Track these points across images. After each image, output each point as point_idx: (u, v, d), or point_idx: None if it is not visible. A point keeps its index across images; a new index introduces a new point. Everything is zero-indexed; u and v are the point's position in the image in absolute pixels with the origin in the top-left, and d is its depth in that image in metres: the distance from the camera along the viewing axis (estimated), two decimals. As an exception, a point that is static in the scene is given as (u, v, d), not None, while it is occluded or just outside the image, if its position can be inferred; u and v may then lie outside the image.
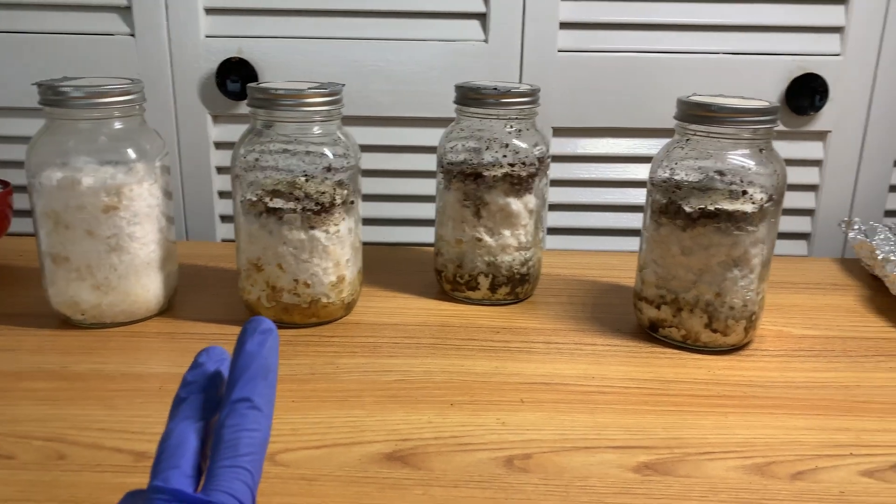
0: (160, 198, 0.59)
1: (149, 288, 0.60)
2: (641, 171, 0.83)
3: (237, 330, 0.59)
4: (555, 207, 0.84)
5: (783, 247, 0.85)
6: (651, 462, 0.44)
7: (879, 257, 0.69)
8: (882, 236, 0.73)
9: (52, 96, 0.55)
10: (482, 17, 0.79)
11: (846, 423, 0.49)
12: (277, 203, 0.57)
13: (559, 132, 0.82)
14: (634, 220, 0.84)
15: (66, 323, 0.60)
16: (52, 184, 0.56)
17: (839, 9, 0.78)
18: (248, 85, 0.57)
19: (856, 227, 0.74)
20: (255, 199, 0.57)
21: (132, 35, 0.78)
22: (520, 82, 0.79)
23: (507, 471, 0.43)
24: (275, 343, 0.32)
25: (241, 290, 0.61)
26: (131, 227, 0.57)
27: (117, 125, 0.57)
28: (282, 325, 0.60)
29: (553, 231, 0.85)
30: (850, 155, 0.82)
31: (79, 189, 0.56)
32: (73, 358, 0.55)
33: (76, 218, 0.56)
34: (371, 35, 0.79)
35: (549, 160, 0.65)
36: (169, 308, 0.63)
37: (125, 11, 0.78)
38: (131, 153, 0.57)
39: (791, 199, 0.82)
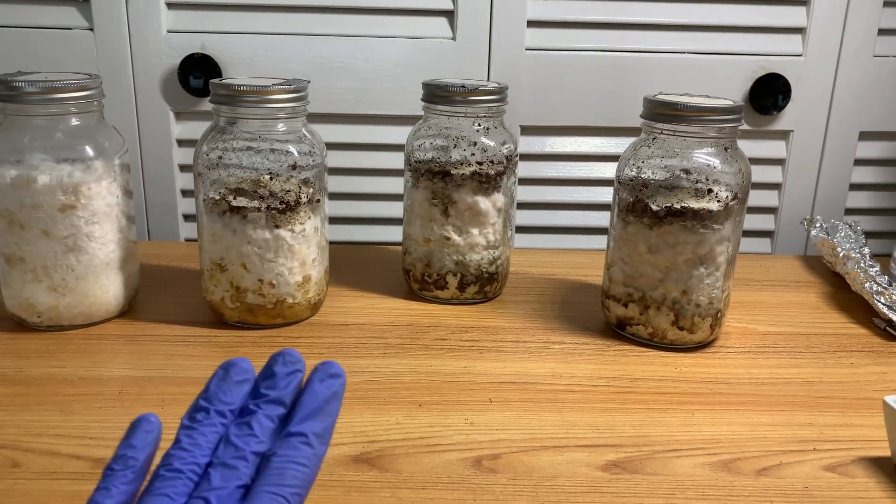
0: (120, 196, 0.58)
1: (108, 289, 0.58)
2: (609, 170, 0.83)
3: (199, 332, 0.59)
4: (523, 206, 0.84)
5: (747, 244, 0.86)
6: (619, 460, 0.44)
7: (840, 254, 0.70)
8: (843, 234, 0.74)
9: (6, 91, 0.53)
10: (450, 15, 0.78)
11: (809, 418, 0.49)
12: (241, 202, 0.56)
13: (527, 130, 0.82)
14: (602, 219, 0.84)
15: (21, 326, 0.58)
16: (6, 182, 0.54)
17: (800, 10, 0.79)
18: (211, 81, 0.56)
19: (818, 224, 0.76)
20: (218, 197, 0.56)
21: (91, 29, 0.76)
22: (488, 80, 0.79)
23: (476, 471, 0.42)
24: (342, 389, 0.32)
25: (204, 290, 0.60)
26: (89, 227, 0.56)
27: (74, 121, 0.56)
28: (246, 326, 0.59)
29: (521, 230, 0.85)
30: (812, 154, 0.84)
31: (34, 187, 0.54)
32: (28, 362, 0.53)
33: (32, 217, 0.54)
34: (337, 31, 0.78)
35: (517, 158, 0.65)
36: (129, 310, 0.62)
37: (83, 5, 0.76)
38: (89, 150, 0.56)
39: (755, 198, 0.83)
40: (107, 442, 0.44)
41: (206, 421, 0.30)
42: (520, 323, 0.62)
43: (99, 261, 0.57)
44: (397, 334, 0.60)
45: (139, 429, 0.30)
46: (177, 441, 0.30)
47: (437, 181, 0.62)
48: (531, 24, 0.79)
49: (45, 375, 0.51)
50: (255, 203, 0.56)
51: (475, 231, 0.63)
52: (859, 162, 0.85)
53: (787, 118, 0.82)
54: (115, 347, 0.56)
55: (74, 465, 0.42)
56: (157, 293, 0.66)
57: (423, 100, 0.64)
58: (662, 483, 0.42)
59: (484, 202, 0.63)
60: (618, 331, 0.61)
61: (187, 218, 0.84)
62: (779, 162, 0.84)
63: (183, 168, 0.82)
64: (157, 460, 0.30)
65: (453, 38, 0.78)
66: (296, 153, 0.57)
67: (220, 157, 0.56)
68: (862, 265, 0.67)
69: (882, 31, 0.80)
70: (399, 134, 0.77)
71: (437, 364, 0.55)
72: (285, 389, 0.31)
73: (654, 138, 0.56)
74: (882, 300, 0.63)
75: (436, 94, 0.62)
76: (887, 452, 0.45)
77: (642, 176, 0.56)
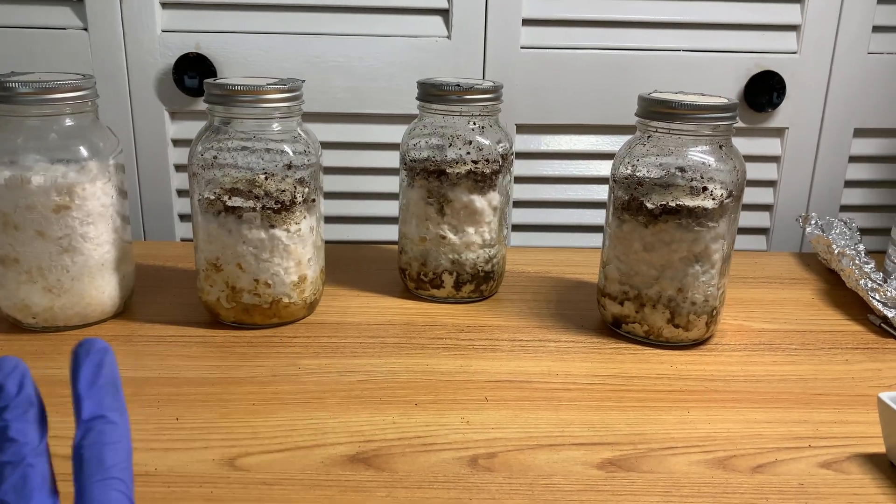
0: (114, 197, 0.58)
1: (103, 290, 0.58)
2: (605, 168, 0.83)
3: (195, 332, 0.59)
4: (519, 204, 0.84)
5: (743, 242, 0.86)
6: (615, 458, 0.44)
7: (835, 251, 0.70)
8: (838, 231, 0.75)
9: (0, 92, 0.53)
10: (445, 14, 0.78)
11: (805, 415, 0.49)
12: (236, 201, 0.56)
13: (523, 129, 0.82)
14: (598, 217, 0.84)
15: (16, 327, 0.58)
16: (0, 183, 0.54)
17: (795, 7, 0.79)
18: (206, 81, 0.56)
19: (813, 221, 0.76)
20: (213, 197, 0.56)
21: (85, 29, 0.76)
22: (483, 79, 0.79)
23: (472, 470, 0.42)
24: (113, 359, 0.31)
25: (199, 290, 0.60)
26: (84, 228, 0.56)
27: (68, 122, 0.55)
28: (242, 326, 0.59)
29: (517, 228, 0.85)
30: (807, 151, 0.84)
31: (28, 188, 0.54)
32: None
33: (26, 218, 0.54)
34: (332, 30, 0.78)
35: (512, 157, 0.65)
36: (125, 310, 0.62)
37: (77, 4, 0.76)
38: (83, 151, 0.55)
39: (750, 195, 0.84)
40: (102, 443, 0.44)
41: None
42: (516, 321, 0.62)
43: (94, 261, 0.57)
44: (393, 333, 0.60)
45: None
46: None
47: (432, 180, 0.62)
48: (526, 22, 0.78)
49: (40, 377, 0.51)
50: (251, 203, 0.56)
51: (471, 230, 0.63)
52: (854, 159, 0.85)
53: (781, 115, 0.82)
54: (111, 348, 0.56)
55: (70, 466, 0.41)
56: (152, 293, 0.65)
57: (418, 99, 0.64)
58: (658, 481, 0.42)
59: (479, 201, 0.63)
60: (614, 329, 0.61)
61: (183, 218, 0.84)
62: (774, 159, 0.84)
63: (178, 168, 0.82)
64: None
65: (448, 37, 0.78)
66: (291, 153, 0.57)
67: (214, 157, 0.56)
68: (857, 262, 0.67)
69: (876, 28, 0.80)
70: (394, 133, 0.77)
71: (433, 363, 0.55)
72: (22, 391, 0.30)
73: (648, 136, 0.57)
74: (877, 297, 0.63)
75: (431, 92, 0.62)
76: (882, 449, 0.45)
77: (637, 174, 0.56)
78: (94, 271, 0.57)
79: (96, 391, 0.30)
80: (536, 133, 0.83)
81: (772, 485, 0.42)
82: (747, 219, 0.85)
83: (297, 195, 0.57)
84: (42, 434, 0.29)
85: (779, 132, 0.83)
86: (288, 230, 0.57)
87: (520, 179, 0.83)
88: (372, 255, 0.77)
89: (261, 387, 0.51)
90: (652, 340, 0.58)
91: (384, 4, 0.77)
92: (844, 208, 0.86)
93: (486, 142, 0.62)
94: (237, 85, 0.55)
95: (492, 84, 0.63)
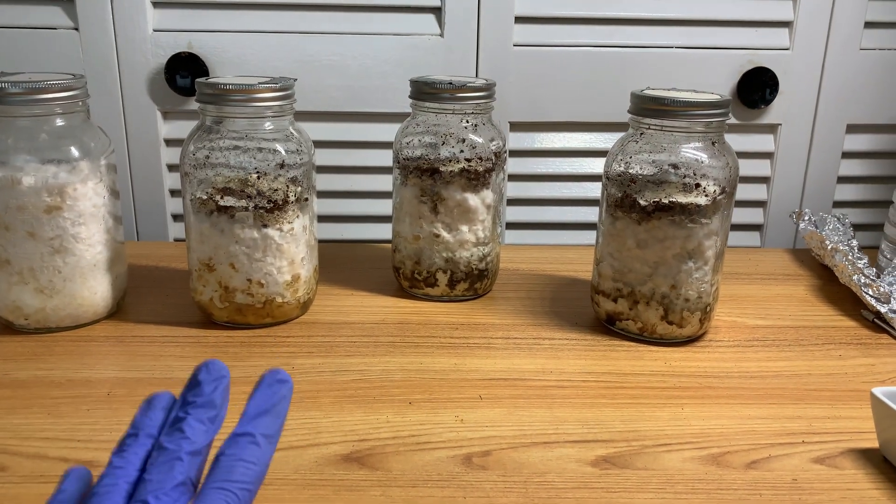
0: (106, 197, 0.58)
1: (96, 290, 0.58)
2: (598, 165, 0.83)
3: (188, 332, 0.59)
4: (513, 202, 0.84)
5: (736, 238, 0.86)
6: (609, 455, 0.44)
7: (828, 247, 0.70)
8: (831, 226, 0.75)
9: (-11, 92, 0.53)
10: (437, 11, 0.78)
11: (798, 411, 0.49)
12: (229, 201, 0.56)
13: (516, 127, 0.82)
14: (592, 214, 0.84)
15: (8, 328, 0.58)
16: (-10, 184, 0.54)
17: (787, 4, 0.79)
18: (197, 80, 0.56)
19: (806, 217, 0.76)
20: (205, 197, 0.56)
21: (76, 29, 0.76)
22: (476, 77, 0.79)
23: (466, 469, 0.42)
24: (289, 393, 0.33)
25: (192, 290, 0.60)
26: (76, 228, 0.55)
27: (59, 122, 0.55)
28: (235, 326, 0.59)
29: (512, 226, 0.85)
30: (800, 147, 0.84)
31: (19, 189, 0.53)
32: (15, 364, 0.53)
33: (17, 219, 0.54)
34: (325, 29, 0.78)
35: (505, 155, 0.65)
36: (118, 311, 0.61)
37: (68, 4, 0.75)
38: (74, 151, 0.55)
39: (743, 191, 0.84)
40: (95, 444, 0.43)
41: (134, 444, 0.30)
42: (510, 319, 0.62)
43: (86, 262, 0.57)
44: (387, 332, 0.60)
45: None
46: (108, 464, 0.30)
47: (425, 178, 0.62)
48: (519, 20, 0.78)
49: (32, 378, 0.51)
50: (243, 202, 0.55)
51: (464, 228, 0.63)
52: (847, 155, 0.85)
53: (774, 112, 0.82)
54: (104, 349, 0.56)
55: (62, 467, 0.41)
56: (145, 294, 0.65)
57: (410, 97, 0.63)
58: (652, 478, 0.42)
59: (473, 199, 0.63)
60: (608, 326, 0.61)
61: (176, 218, 0.83)
62: (767, 155, 0.84)
63: (171, 168, 0.81)
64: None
65: (441, 35, 0.78)
66: (283, 152, 0.56)
67: (207, 157, 0.56)
68: (850, 257, 0.67)
69: (868, 24, 0.80)
70: (388, 131, 0.77)
71: (427, 361, 0.55)
72: (213, 394, 0.31)
73: (641, 133, 0.57)
74: (870, 292, 0.64)
75: (423, 91, 0.62)
76: (875, 444, 0.45)
77: (630, 171, 0.56)
78: (86, 272, 0.57)
79: (263, 413, 0.31)
80: (530, 130, 0.83)
81: (765, 481, 0.42)
82: (741, 215, 0.85)
83: (290, 194, 0.57)
84: (208, 438, 0.30)
85: (772, 128, 0.84)
86: (281, 229, 0.57)
87: (513, 177, 0.83)
88: (366, 253, 0.77)
89: (254, 387, 0.50)
90: (646, 337, 0.58)
91: (377, 3, 0.77)
92: (838, 204, 0.87)
93: (480, 140, 0.62)
94: (229, 84, 0.54)
95: (484, 82, 0.63)
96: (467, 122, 0.62)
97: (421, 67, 0.78)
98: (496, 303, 0.66)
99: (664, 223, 0.55)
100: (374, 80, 0.79)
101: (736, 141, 0.82)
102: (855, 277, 0.65)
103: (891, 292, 0.63)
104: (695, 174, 0.55)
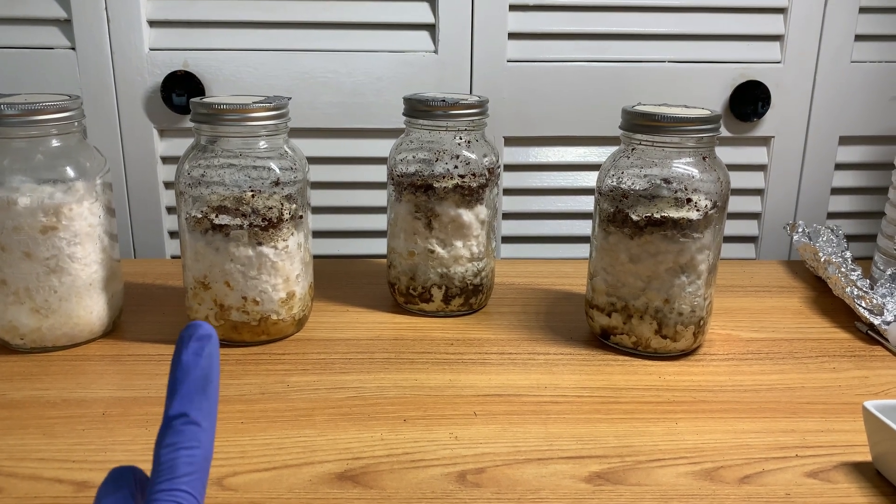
0: (102, 216, 0.58)
1: (92, 309, 0.58)
2: (592, 179, 0.83)
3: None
4: (508, 216, 0.85)
5: (731, 250, 0.87)
6: (603, 471, 0.44)
7: (822, 259, 0.70)
8: (825, 238, 0.75)
9: (-15, 114, 0.53)
10: (431, 28, 0.79)
11: (792, 424, 0.50)
12: (223, 219, 0.56)
13: (510, 142, 0.83)
14: (587, 228, 0.84)
15: (3, 348, 0.58)
16: (-14, 205, 0.54)
17: (778, 17, 0.80)
18: (191, 100, 0.56)
19: (800, 229, 0.76)
20: (200, 215, 0.56)
21: (73, 49, 0.76)
22: (470, 93, 0.80)
23: (460, 486, 0.42)
24: (214, 349, 0.30)
25: (188, 308, 0.60)
26: (72, 248, 0.56)
27: (55, 143, 0.56)
28: (231, 343, 0.59)
29: (507, 240, 0.86)
30: (793, 159, 0.84)
31: (15, 209, 0.54)
32: (11, 385, 0.53)
33: (13, 239, 0.54)
34: (319, 46, 0.78)
35: (499, 170, 0.66)
36: (114, 329, 0.62)
37: (65, 24, 0.76)
38: (70, 171, 0.55)
39: (737, 204, 0.84)
40: (90, 465, 0.44)
41: None
42: (505, 334, 0.63)
43: (82, 281, 0.57)
44: (382, 348, 0.60)
45: None
46: None
47: (419, 195, 0.63)
48: (512, 36, 0.79)
49: (27, 398, 0.51)
50: (238, 220, 0.56)
51: (459, 243, 0.64)
52: (840, 166, 0.85)
53: (767, 124, 0.83)
54: (99, 368, 0.56)
55: (57, 489, 0.41)
56: (141, 312, 0.65)
57: (404, 114, 0.64)
58: (646, 493, 0.42)
59: (467, 215, 0.63)
60: (602, 340, 0.61)
61: (173, 235, 0.84)
62: (761, 168, 0.85)
63: (168, 185, 0.82)
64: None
65: (435, 52, 0.79)
66: (277, 170, 0.57)
67: (201, 175, 0.56)
68: (843, 269, 0.68)
69: (859, 37, 0.81)
70: (382, 147, 0.77)
71: (422, 378, 0.55)
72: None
73: (633, 149, 0.57)
74: (863, 304, 0.64)
75: (417, 108, 0.62)
76: (868, 457, 0.45)
77: (622, 186, 0.57)
78: (82, 291, 0.57)
79: (188, 387, 0.29)
80: (524, 145, 0.83)
81: (759, 495, 0.42)
82: (735, 227, 0.86)
83: (285, 212, 0.57)
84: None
85: (765, 141, 0.84)
86: (275, 247, 0.57)
87: (508, 191, 0.83)
88: (361, 269, 0.78)
89: (249, 405, 0.51)
90: (640, 351, 0.59)
91: (371, 20, 0.78)
92: (831, 215, 0.87)
93: (473, 156, 0.63)
94: (223, 104, 0.55)
95: (477, 99, 0.63)
96: (461, 138, 0.63)
97: (415, 84, 0.79)
98: (491, 318, 0.66)
99: (656, 238, 0.55)
100: (368, 97, 0.80)
101: (729, 154, 0.83)
102: (848, 290, 0.65)
103: (884, 304, 0.63)
104: (686, 189, 0.55)
